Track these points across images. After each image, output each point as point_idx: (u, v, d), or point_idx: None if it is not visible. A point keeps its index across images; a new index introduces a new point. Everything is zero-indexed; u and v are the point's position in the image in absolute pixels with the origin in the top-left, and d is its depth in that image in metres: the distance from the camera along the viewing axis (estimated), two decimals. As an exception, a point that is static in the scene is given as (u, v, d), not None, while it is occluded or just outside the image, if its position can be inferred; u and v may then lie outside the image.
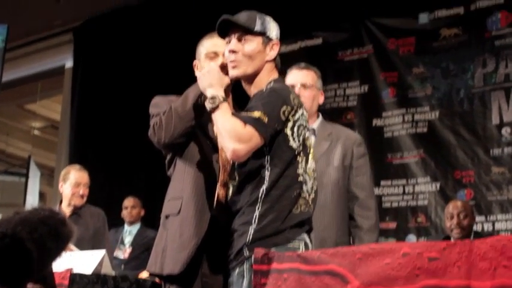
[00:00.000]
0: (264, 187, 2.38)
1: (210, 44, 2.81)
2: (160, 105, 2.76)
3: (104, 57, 7.73)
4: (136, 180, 6.87)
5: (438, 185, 5.54)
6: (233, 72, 2.53)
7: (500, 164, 5.29)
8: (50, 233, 1.94)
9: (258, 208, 2.37)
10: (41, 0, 7.54)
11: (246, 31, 2.52)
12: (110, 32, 7.72)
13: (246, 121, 2.34)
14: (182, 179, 2.70)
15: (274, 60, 2.58)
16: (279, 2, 6.06)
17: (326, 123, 3.55)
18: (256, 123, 2.33)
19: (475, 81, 5.52)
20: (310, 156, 2.51)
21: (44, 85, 9.35)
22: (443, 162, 5.56)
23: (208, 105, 2.44)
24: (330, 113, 6.15)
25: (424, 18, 5.87)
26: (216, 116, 2.41)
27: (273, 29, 2.57)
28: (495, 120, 5.37)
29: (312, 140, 2.57)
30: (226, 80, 2.56)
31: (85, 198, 4.77)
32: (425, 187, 5.59)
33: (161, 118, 2.65)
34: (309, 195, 2.46)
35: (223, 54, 2.65)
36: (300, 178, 2.43)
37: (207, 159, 2.68)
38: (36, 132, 11.89)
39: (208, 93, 2.48)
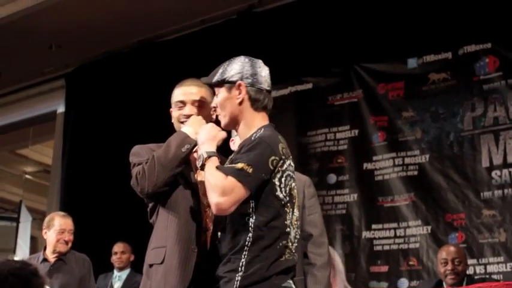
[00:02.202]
0: (250, 235, 2.34)
1: (177, 93, 2.83)
2: (141, 154, 2.74)
3: (96, 103, 7.74)
4: (127, 225, 6.82)
5: (429, 228, 5.50)
6: (222, 125, 2.58)
7: (491, 206, 5.27)
8: (19, 284, 1.95)
9: (245, 256, 2.34)
10: (33, 47, 7.58)
11: (213, 86, 2.58)
12: (101, 78, 7.75)
13: (227, 173, 2.31)
14: (166, 227, 2.65)
15: (251, 101, 2.50)
16: (270, 48, 6.13)
17: None
18: (238, 174, 2.29)
19: (464, 125, 5.53)
20: (295, 206, 2.49)
21: (36, 130, 9.36)
22: (434, 205, 5.53)
23: (197, 164, 2.47)
24: (320, 157, 6.18)
25: (412, 63, 5.90)
26: (205, 173, 2.41)
27: (232, 71, 2.51)
28: (485, 163, 5.37)
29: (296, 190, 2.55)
30: (222, 134, 2.57)
31: (70, 244, 4.73)
32: (416, 230, 5.55)
33: (144, 167, 2.62)
34: (293, 244, 2.44)
35: (192, 103, 2.73)
36: (287, 229, 2.41)
37: (190, 206, 2.65)
38: (28, 176, 11.86)
39: (199, 151, 2.50)
